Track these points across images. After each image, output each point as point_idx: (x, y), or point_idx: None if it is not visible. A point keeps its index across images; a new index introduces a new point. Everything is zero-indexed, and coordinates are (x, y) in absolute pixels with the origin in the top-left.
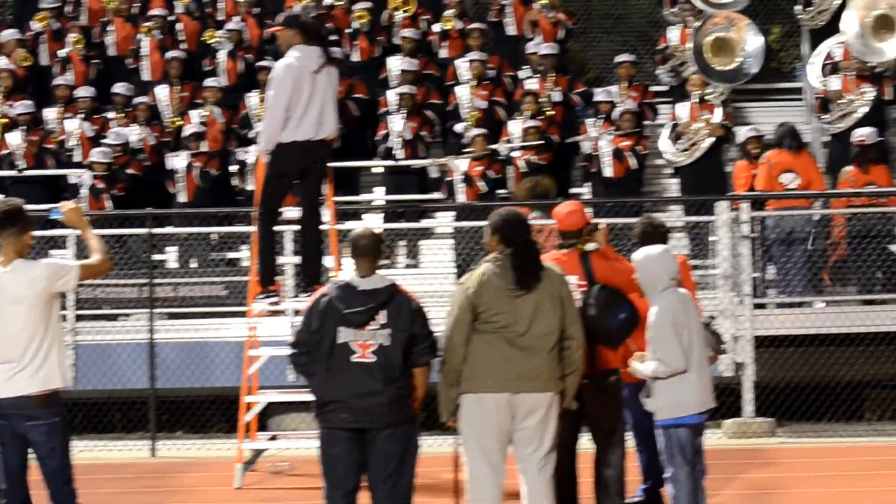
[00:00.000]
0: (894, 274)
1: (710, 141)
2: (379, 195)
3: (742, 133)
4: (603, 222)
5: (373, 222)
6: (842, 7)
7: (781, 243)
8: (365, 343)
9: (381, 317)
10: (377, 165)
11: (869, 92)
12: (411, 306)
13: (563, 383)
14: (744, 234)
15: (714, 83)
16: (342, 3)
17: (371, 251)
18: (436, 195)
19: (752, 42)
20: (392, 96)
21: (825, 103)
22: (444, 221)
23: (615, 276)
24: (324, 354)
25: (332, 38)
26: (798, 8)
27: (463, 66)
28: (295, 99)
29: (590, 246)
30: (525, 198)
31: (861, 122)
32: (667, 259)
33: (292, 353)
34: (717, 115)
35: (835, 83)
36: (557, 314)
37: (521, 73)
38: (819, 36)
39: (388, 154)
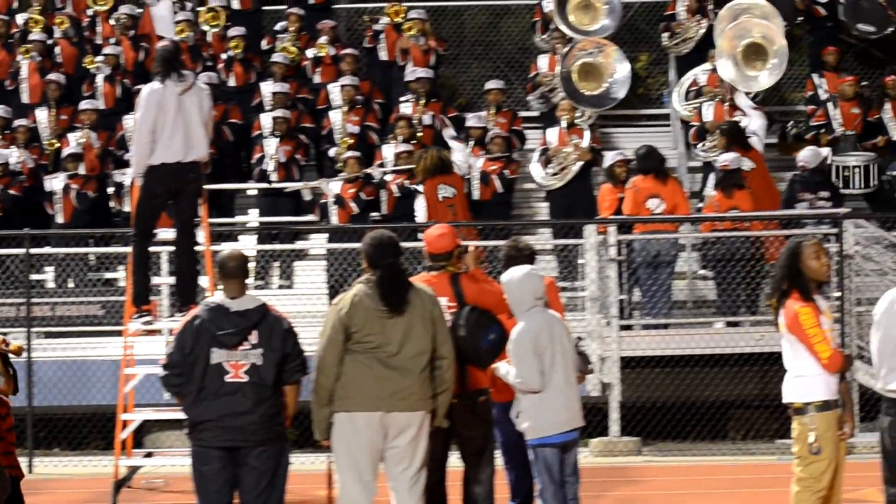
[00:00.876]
0: (757, 296)
1: (579, 165)
2: (253, 217)
3: (609, 157)
4: (473, 245)
5: (247, 243)
6: (707, 35)
7: (647, 266)
8: (237, 363)
9: (253, 337)
10: (252, 188)
11: (745, 121)
12: (282, 326)
13: (435, 402)
14: (611, 257)
15: (582, 108)
16: (217, 30)
17: (239, 272)
18: (309, 217)
19: (619, 68)
20: (266, 120)
21: (701, 132)
22: (317, 243)
23: (484, 297)
24: (198, 376)
25: (208, 63)
26: (664, 36)
27: (335, 91)
28: (161, 122)
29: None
30: (431, 165)
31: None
32: (532, 280)
33: (165, 375)
34: (586, 140)
35: (708, 112)
36: (429, 335)
37: (400, 99)
38: (685, 63)
39: (263, 177)
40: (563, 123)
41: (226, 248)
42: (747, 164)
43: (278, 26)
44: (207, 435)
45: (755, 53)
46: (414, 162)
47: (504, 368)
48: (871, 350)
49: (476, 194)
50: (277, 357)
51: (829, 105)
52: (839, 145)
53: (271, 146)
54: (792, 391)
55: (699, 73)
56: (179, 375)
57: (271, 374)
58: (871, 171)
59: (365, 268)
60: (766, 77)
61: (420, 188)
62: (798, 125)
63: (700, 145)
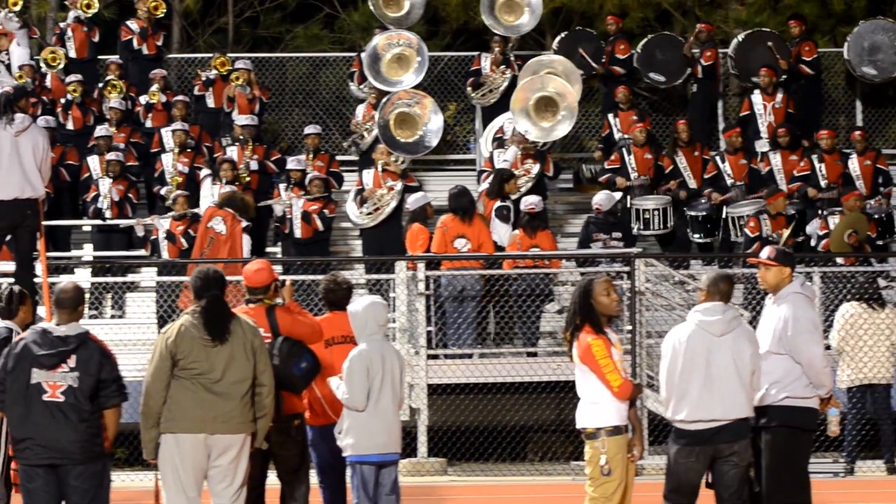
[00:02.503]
0: (554, 329)
1: (393, 205)
2: (88, 251)
3: (419, 198)
4: (289, 279)
5: (82, 276)
6: (511, 85)
7: (454, 300)
8: (55, 384)
9: (72, 361)
10: (87, 224)
11: (534, 168)
12: (100, 353)
13: (255, 426)
14: (420, 291)
15: (397, 153)
16: (56, 71)
17: (69, 304)
18: (141, 252)
19: (433, 119)
20: (98, 162)
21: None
22: (147, 276)
23: (298, 328)
24: (19, 393)
25: (48, 107)
26: (470, 90)
27: (167, 136)
28: None
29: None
30: (224, 203)
31: (528, 192)
32: (375, 309)
33: None
34: (399, 183)
35: (508, 160)
36: (250, 363)
37: (224, 142)
38: (490, 112)
39: (98, 214)
40: (379, 167)
41: (62, 280)
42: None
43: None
44: (30, 454)
45: (546, 106)
46: (226, 192)
47: (335, 383)
48: (660, 381)
49: (298, 233)
50: (93, 381)
51: (624, 150)
52: (634, 189)
53: (105, 186)
54: (585, 417)
55: (505, 122)
56: (3, 392)
57: (86, 396)
58: (668, 213)
59: (192, 299)
60: (556, 129)
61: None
62: (591, 168)
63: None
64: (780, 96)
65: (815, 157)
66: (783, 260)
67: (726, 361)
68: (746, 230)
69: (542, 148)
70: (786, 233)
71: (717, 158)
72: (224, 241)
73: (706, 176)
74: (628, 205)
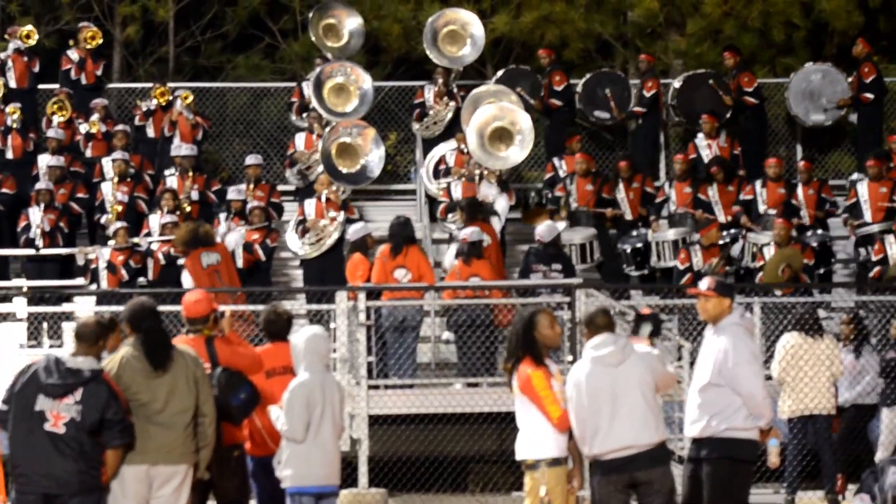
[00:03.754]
0: (495, 359)
1: (335, 236)
2: (23, 281)
3: (359, 229)
4: (228, 310)
5: (18, 305)
6: (454, 117)
7: (395, 330)
8: (58, 414)
9: (78, 394)
10: (20, 254)
11: (491, 195)
12: (109, 392)
13: (197, 456)
14: (361, 321)
15: (339, 183)
16: None
17: (90, 337)
18: (79, 281)
19: (375, 150)
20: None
21: (450, 207)
22: (86, 306)
23: (237, 359)
24: (23, 416)
25: None
26: (415, 123)
27: (107, 165)
28: None
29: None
30: (185, 238)
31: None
32: (317, 340)
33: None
34: (342, 214)
35: (457, 190)
36: (192, 393)
37: (165, 172)
38: (431, 142)
39: (30, 243)
40: (321, 197)
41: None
42: (486, 238)
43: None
44: (25, 481)
45: (500, 136)
46: (188, 224)
47: (275, 413)
48: (571, 422)
49: (239, 262)
50: (96, 419)
51: (568, 181)
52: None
53: (36, 216)
54: (525, 448)
55: (447, 152)
56: (8, 412)
57: (88, 432)
58: (593, 246)
59: (128, 332)
60: (510, 157)
61: (181, 260)
62: (538, 196)
63: (450, 217)
64: (723, 136)
65: (758, 183)
66: (722, 291)
67: (630, 388)
68: (677, 262)
69: (504, 177)
70: (715, 261)
71: (667, 185)
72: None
73: (657, 201)
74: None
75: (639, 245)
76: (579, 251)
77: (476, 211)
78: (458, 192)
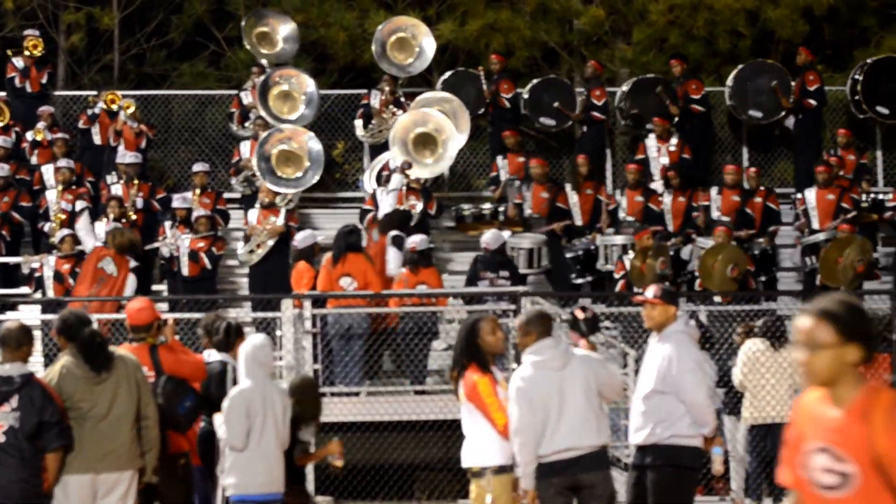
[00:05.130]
0: (441, 367)
1: (271, 242)
2: None
3: (306, 236)
4: (171, 318)
5: None
6: None
7: (341, 338)
8: None
9: (14, 401)
10: None
11: (418, 205)
12: (43, 395)
13: (143, 460)
14: (306, 329)
15: (282, 190)
16: None
17: (15, 342)
18: (24, 289)
19: (313, 152)
20: None
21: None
22: (31, 315)
23: (181, 367)
24: None
25: None
26: (359, 126)
27: (48, 173)
28: None
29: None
30: (125, 245)
31: (412, 230)
32: (262, 350)
33: None
34: (280, 219)
35: (394, 188)
36: (134, 398)
37: (109, 179)
38: (379, 149)
39: None
40: (264, 204)
41: None
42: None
43: None
44: None
45: (425, 143)
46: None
47: (219, 420)
48: (513, 429)
49: (185, 271)
50: (34, 423)
51: (524, 188)
52: (530, 226)
53: None
54: (470, 456)
55: (389, 159)
56: None
57: (28, 437)
58: (541, 252)
59: (63, 344)
60: (434, 165)
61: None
62: (476, 207)
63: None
64: (674, 140)
65: (714, 190)
66: (667, 299)
67: (574, 391)
68: (614, 270)
69: (426, 185)
70: (652, 262)
71: (618, 193)
72: (114, 282)
73: (608, 209)
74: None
75: (580, 252)
76: (527, 256)
77: (394, 222)
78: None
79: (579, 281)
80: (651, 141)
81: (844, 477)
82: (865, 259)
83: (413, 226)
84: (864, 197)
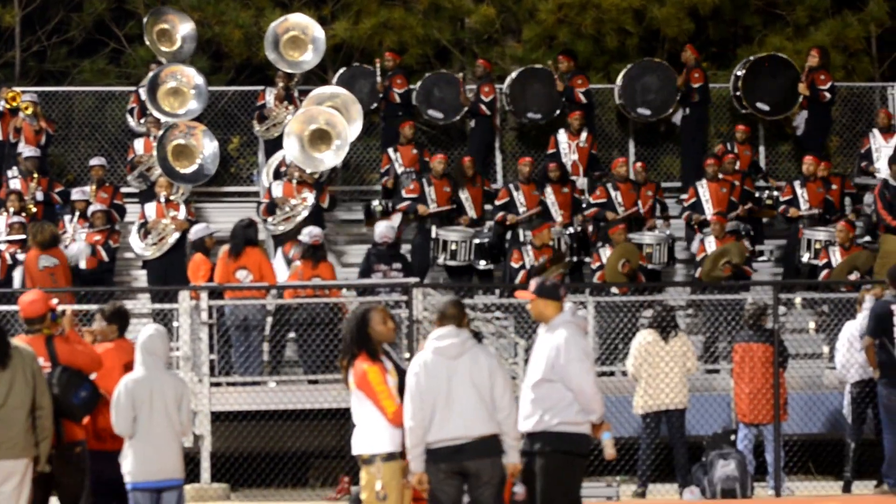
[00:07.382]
0: (335, 357)
1: (175, 236)
2: None
3: (200, 229)
4: (68, 308)
5: None
6: None
7: (237, 329)
8: None
9: None
10: None
11: (309, 197)
12: None
13: (37, 449)
14: (203, 320)
15: (178, 184)
16: None
17: None
18: None
19: (208, 147)
20: None
21: (271, 206)
22: None
23: (77, 358)
24: None
25: None
26: (255, 124)
27: None
28: None
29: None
30: (47, 240)
31: (306, 223)
32: (154, 340)
33: None
34: (182, 213)
35: (278, 189)
36: (30, 388)
37: (9, 174)
38: (274, 145)
39: None
40: (161, 198)
41: None
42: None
43: None
44: None
45: (320, 138)
46: (30, 235)
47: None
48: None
49: (83, 263)
50: None
51: (424, 181)
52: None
53: None
54: (361, 443)
55: (286, 155)
56: None
57: None
58: (468, 245)
59: None
60: (328, 160)
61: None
62: (382, 202)
63: (270, 219)
64: (584, 135)
65: (609, 186)
66: (545, 294)
67: (465, 381)
68: (511, 262)
69: (319, 179)
70: (543, 259)
71: (511, 187)
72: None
73: (497, 203)
74: (433, 234)
75: (488, 240)
76: (456, 250)
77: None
78: (278, 192)
79: (484, 269)
80: (562, 135)
81: None
82: (736, 262)
83: (306, 218)
84: (766, 193)
